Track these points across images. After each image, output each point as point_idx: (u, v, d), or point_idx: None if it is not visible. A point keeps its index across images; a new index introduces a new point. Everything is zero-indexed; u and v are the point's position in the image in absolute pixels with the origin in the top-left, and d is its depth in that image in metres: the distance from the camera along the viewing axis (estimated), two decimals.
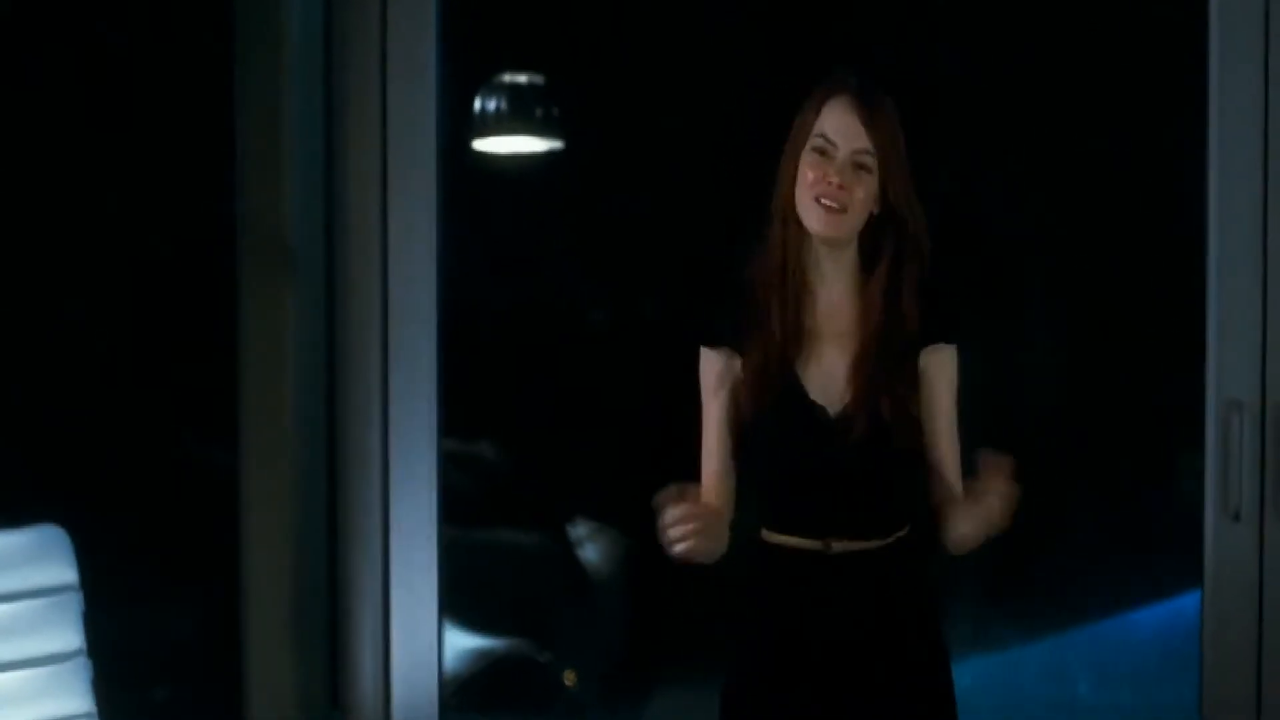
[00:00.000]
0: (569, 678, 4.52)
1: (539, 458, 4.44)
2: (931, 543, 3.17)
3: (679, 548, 3.03)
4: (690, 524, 3.02)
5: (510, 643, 4.46)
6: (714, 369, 3.21)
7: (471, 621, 4.38)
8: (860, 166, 3.05)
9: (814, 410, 3.11)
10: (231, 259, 4.05)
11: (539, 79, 4.36)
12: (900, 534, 3.14)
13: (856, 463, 3.10)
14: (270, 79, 3.99)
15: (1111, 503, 4.25)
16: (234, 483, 4.07)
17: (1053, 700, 4.29)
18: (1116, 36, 4.15)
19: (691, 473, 3.28)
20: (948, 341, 3.12)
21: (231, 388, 4.04)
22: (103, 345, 4.31)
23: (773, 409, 3.12)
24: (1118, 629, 4.26)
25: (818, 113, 3.08)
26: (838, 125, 3.06)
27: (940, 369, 3.12)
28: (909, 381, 3.09)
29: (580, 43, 4.35)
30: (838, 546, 3.12)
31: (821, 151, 3.06)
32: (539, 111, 4.36)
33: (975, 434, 3.15)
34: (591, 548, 4.47)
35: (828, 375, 3.12)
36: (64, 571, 3.48)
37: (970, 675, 4.30)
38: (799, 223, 3.09)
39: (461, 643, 4.36)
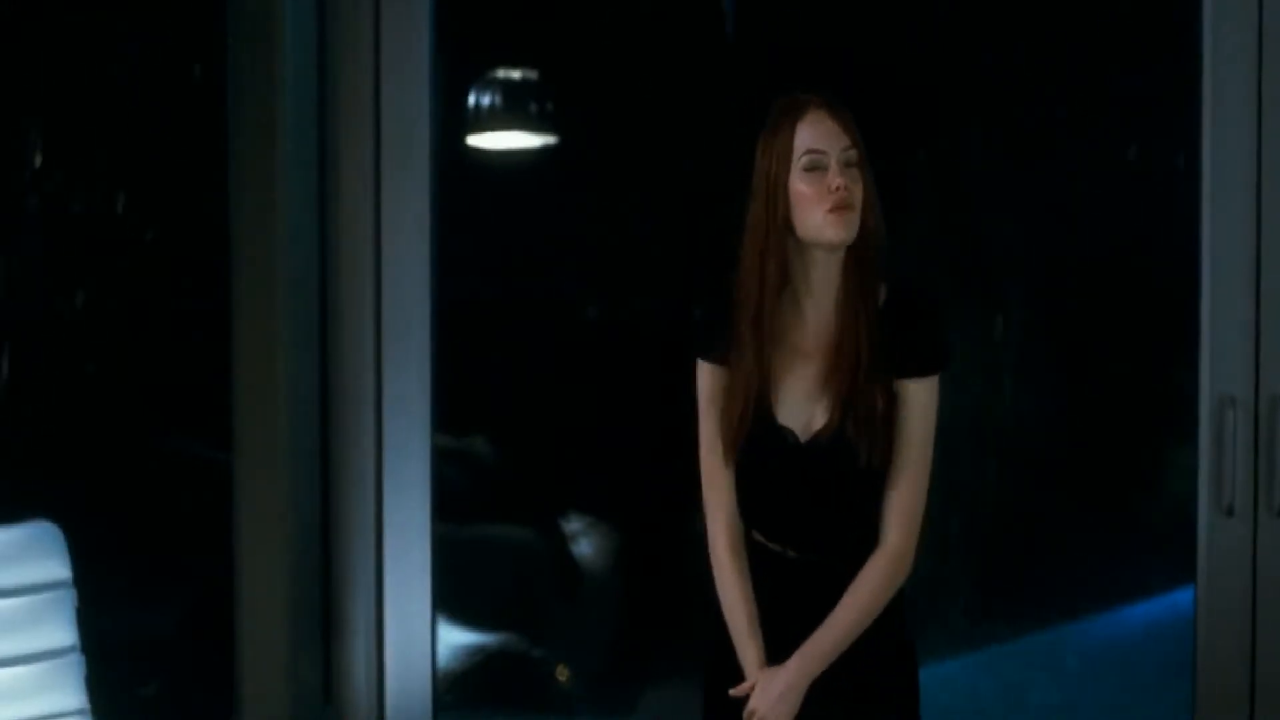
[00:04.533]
0: (562, 672, 4.52)
1: (532, 453, 4.45)
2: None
3: None
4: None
5: (503, 638, 4.46)
6: (706, 381, 3.24)
7: (464, 617, 4.38)
8: (850, 164, 3.08)
9: (782, 433, 3.15)
10: (224, 253, 4.04)
11: (533, 74, 4.36)
12: (869, 550, 3.16)
13: (821, 485, 3.14)
14: (264, 75, 3.99)
15: (1105, 498, 4.25)
16: (227, 479, 4.06)
17: (1046, 695, 4.30)
18: (1109, 28, 4.15)
19: (683, 469, 3.28)
20: (924, 374, 3.11)
21: (225, 384, 4.04)
22: (96, 342, 4.31)
23: (746, 428, 3.15)
24: (1111, 624, 4.27)
25: (792, 133, 3.10)
26: (821, 133, 3.09)
27: (912, 402, 3.11)
28: (879, 404, 3.09)
29: (574, 38, 4.35)
30: (793, 555, 3.18)
31: (812, 167, 3.08)
32: (533, 107, 4.36)
33: (971, 430, 3.15)
34: (584, 543, 4.47)
35: (801, 395, 3.14)
36: (57, 568, 3.48)
37: (963, 671, 4.31)
38: (791, 245, 3.10)
39: (454, 638, 4.36)
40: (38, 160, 4.19)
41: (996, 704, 4.29)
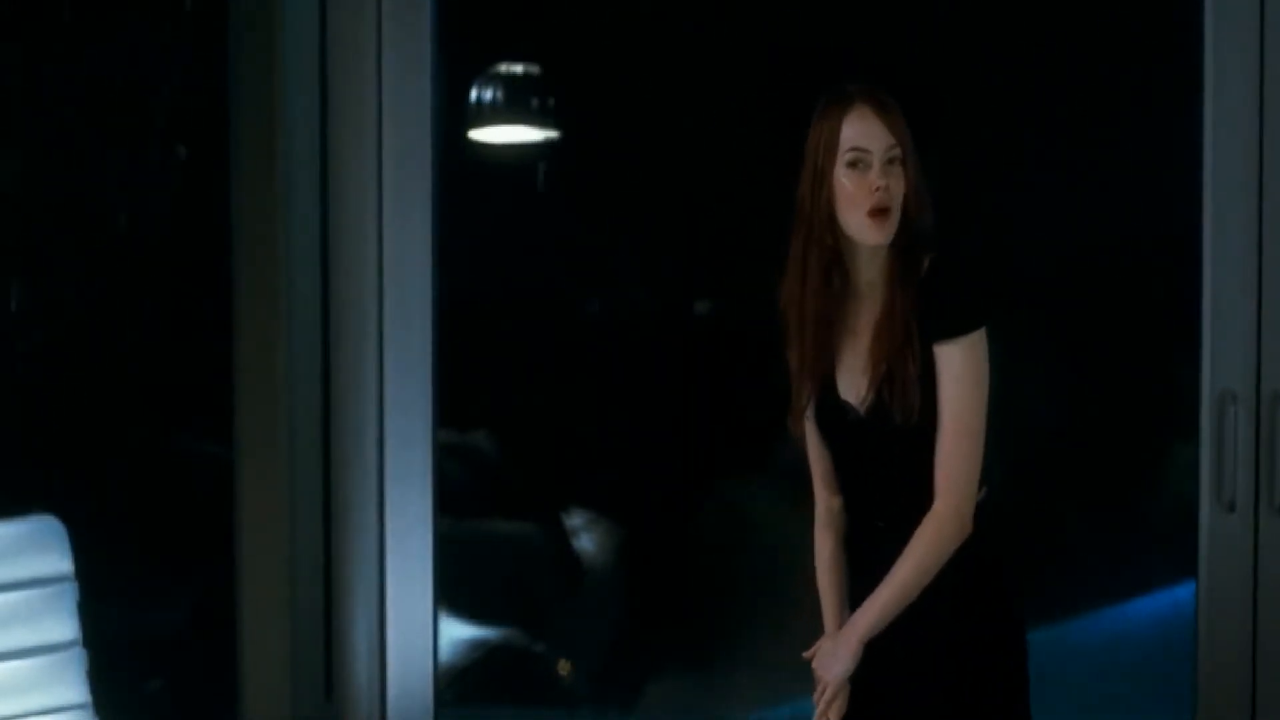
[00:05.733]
0: (563, 667, 4.52)
1: (534, 448, 4.45)
2: (996, 518, 3.22)
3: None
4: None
5: (505, 633, 4.46)
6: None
7: (466, 612, 4.38)
8: (892, 162, 3.14)
9: (843, 408, 3.24)
10: (226, 249, 4.05)
11: (535, 69, 4.36)
12: None
13: (882, 454, 3.21)
14: (265, 70, 3.99)
15: (1106, 494, 4.25)
16: (229, 474, 4.07)
17: (1048, 691, 4.29)
18: (1112, 26, 4.15)
19: (684, 465, 3.30)
20: (952, 337, 3.14)
21: (227, 379, 4.04)
22: (98, 337, 4.31)
23: (815, 409, 3.28)
24: (1113, 620, 4.27)
25: (838, 128, 3.15)
26: (865, 131, 3.14)
27: (944, 365, 3.15)
28: (910, 369, 3.14)
29: (576, 32, 4.35)
30: (881, 524, 3.25)
31: (855, 164, 3.14)
32: (535, 102, 4.36)
33: None
34: (586, 538, 4.47)
35: (856, 371, 3.22)
36: (59, 562, 3.48)
37: None
38: (833, 235, 3.17)
39: (456, 633, 4.36)
40: (38, 159, 4.20)
41: None
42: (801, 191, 3.20)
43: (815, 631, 3.36)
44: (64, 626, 3.48)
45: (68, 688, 3.48)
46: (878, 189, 3.12)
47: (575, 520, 4.46)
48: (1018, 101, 4.20)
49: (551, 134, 4.40)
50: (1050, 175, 4.21)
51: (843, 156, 3.14)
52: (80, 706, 3.49)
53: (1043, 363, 4.27)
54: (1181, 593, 4.04)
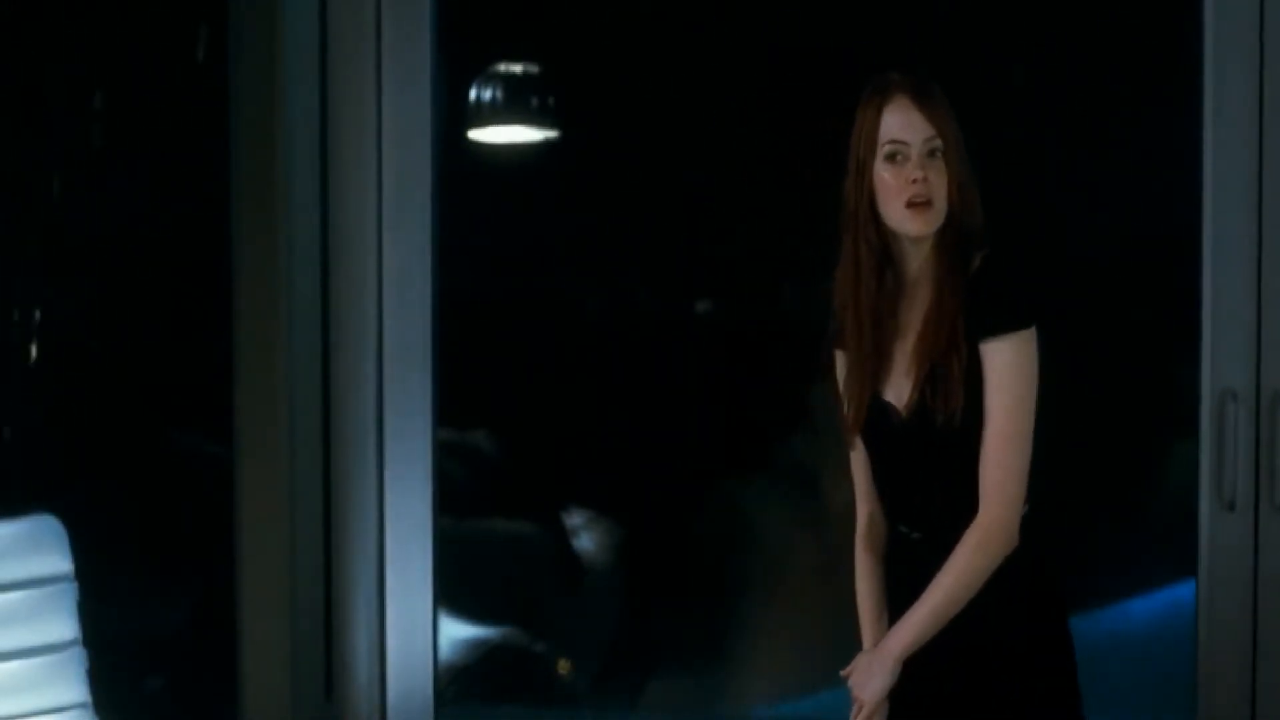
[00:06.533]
0: (564, 667, 4.52)
1: (534, 447, 4.45)
2: (1046, 530, 3.16)
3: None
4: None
5: (505, 632, 4.46)
6: (838, 369, 3.26)
7: (466, 611, 4.38)
8: (933, 154, 3.08)
9: (886, 410, 3.14)
10: (226, 250, 4.05)
11: (534, 69, 4.35)
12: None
13: (925, 460, 3.12)
14: (265, 69, 3.99)
15: (1106, 492, 4.25)
16: (229, 473, 4.07)
17: None
18: (1111, 26, 4.15)
19: (684, 464, 3.29)
20: (999, 334, 3.06)
21: (226, 378, 4.04)
22: (97, 336, 4.31)
23: (861, 409, 3.17)
24: (1112, 619, 4.26)
25: (878, 119, 3.09)
26: (903, 123, 3.08)
27: (991, 364, 3.06)
28: (955, 369, 3.05)
29: (576, 32, 4.34)
30: (916, 535, 3.16)
31: (894, 156, 3.08)
32: (534, 101, 4.36)
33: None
34: (586, 537, 4.47)
35: (901, 372, 3.13)
36: (59, 562, 3.49)
37: None
38: (877, 230, 3.10)
39: (456, 632, 4.36)
40: (38, 159, 4.20)
41: None
42: (846, 185, 3.13)
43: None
44: (64, 626, 3.48)
45: (68, 688, 3.48)
46: (915, 181, 3.05)
47: (575, 520, 4.46)
48: (1017, 101, 4.20)
49: (551, 134, 4.40)
50: (1049, 175, 4.21)
51: (881, 149, 3.08)
52: (80, 706, 3.49)
53: (1043, 362, 4.27)
54: (1181, 592, 4.04)
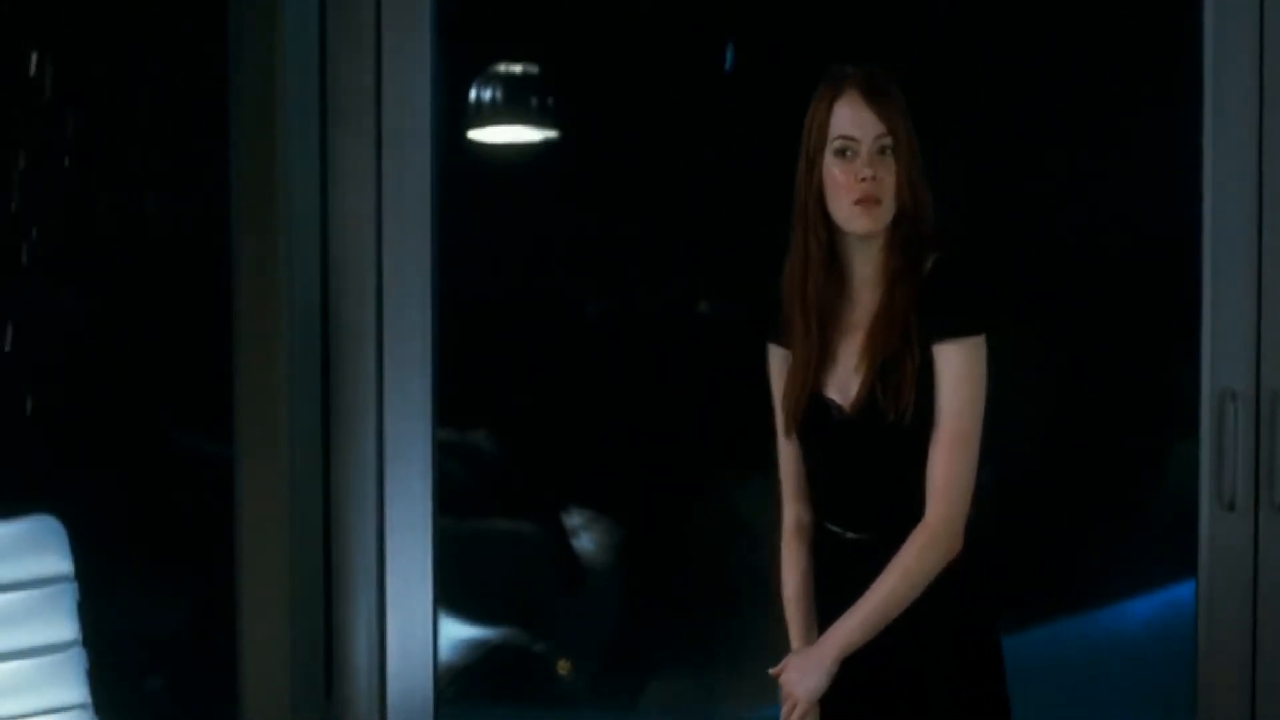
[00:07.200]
0: (563, 667, 4.52)
1: (534, 447, 4.45)
2: (981, 536, 3.14)
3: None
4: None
5: (505, 632, 4.46)
6: (774, 364, 3.25)
7: (466, 611, 4.38)
8: (883, 151, 3.05)
9: (828, 407, 3.13)
10: (226, 250, 4.04)
11: (534, 69, 4.35)
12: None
13: (866, 458, 3.10)
14: (265, 70, 3.99)
15: (1106, 492, 4.25)
16: (229, 473, 4.06)
17: (1048, 690, 4.30)
18: (1112, 25, 4.15)
19: (684, 463, 3.29)
20: (953, 337, 3.04)
21: (226, 378, 4.04)
22: (97, 335, 4.31)
23: (799, 405, 3.15)
24: (1112, 619, 4.27)
25: (829, 113, 3.06)
26: (853, 119, 3.05)
27: (943, 366, 3.04)
28: (908, 369, 3.04)
29: (576, 32, 4.34)
30: (852, 535, 3.14)
31: (843, 152, 3.05)
32: (534, 101, 4.36)
33: None
34: (586, 537, 4.47)
35: (847, 369, 3.11)
36: (59, 562, 3.48)
37: None
38: (826, 225, 3.09)
39: (456, 632, 4.36)
40: (38, 158, 4.19)
41: None
42: (798, 178, 3.11)
43: (818, 631, 3.34)
44: (64, 626, 3.48)
45: (68, 688, 3.48)
46: (864, 179, 3.02)
47: (575, 520, 4.46)
48: (1017, 100, 4.20)
49: (551, 134, 4.40)
50: (1050, 174, 4.21)
51: (831, 143, 3.05)
52: (80, 706, 3.49)
53: (1043, 362, 4.27)
54: (1181, 592, 4.04)
